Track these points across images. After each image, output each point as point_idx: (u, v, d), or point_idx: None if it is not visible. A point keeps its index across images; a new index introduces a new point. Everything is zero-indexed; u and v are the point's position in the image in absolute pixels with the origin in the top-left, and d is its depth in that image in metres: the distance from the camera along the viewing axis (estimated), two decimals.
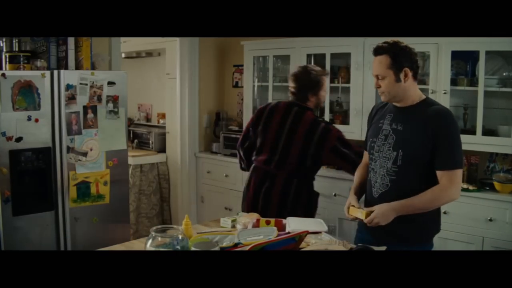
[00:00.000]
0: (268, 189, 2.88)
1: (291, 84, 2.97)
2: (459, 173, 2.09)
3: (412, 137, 2.12)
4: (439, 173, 2.09)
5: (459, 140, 2.11)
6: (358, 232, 2.41)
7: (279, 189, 2.84)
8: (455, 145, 2.09)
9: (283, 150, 2.87)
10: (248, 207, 2.95)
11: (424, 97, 2.22)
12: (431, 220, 2.22)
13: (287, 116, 2.91)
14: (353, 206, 2.25)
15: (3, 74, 2.88)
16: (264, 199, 2.87)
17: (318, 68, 2.99)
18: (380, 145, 2.21)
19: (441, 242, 3.25)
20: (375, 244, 2.06)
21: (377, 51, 2.16)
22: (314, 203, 2.95)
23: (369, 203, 2.29)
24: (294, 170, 2.85)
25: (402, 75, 2.12)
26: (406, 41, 3.33)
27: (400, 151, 2.13)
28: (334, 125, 3.07)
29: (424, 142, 2.09)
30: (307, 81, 2.90)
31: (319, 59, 4.06)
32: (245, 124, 4.59)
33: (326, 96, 3.08)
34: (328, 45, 3.86)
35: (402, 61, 2.12)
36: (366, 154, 2.46)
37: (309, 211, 2.84)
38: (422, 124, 2.10)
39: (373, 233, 2.23)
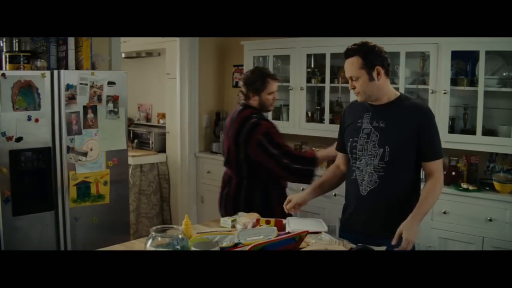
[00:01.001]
0: (226, 194, 2.97)
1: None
2: (442, 161, 2.23)
3: (396, 132, 2.18)
4: (428, 164, 2.19)
5: (438, 131, 2.23)
6: (341, 231, 2.42)
7: (233, 193, 2.90)
8: (436, 136, 2.21)
9: (227, 152, 2.94)
10: (220, 213, 3.02)
11: (399, 93, 2.30)
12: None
13: (232, 118, 2.96)
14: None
15: (3, 74, 2.88)
16: (223, 205, 2.98)
17: (266, 71, 3.05)
18: (363, 144, 2.25)
19: (441, 242, 3.25)
20: (360, 241, 2.11)
21: (348, 53, 2.22)
22: (272, 205, 2.85)
23: (356, 202, 2.31)
24: (241, 172, 2.89)
25: (375, 74, 2.19)
26: (406, 41, 3.37)
27: (386, 147, 2.18)
28: (273, 121, 3.08)
29: (408, 136, 2.17)
30: (250, 79, 2.93)
31: (319, 59, 4.06)
32: None
33: (273, 100, 2.97)
34: (328, 45, 3.86)
35: (373, 60, 2.18)
36: (339, 156, 2.49)
37: (265, 215, 2.60)
38: (404, 119, 2.18)
39: (356, 231, 2.28)
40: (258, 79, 2.90)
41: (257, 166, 2.84)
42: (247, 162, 2.85)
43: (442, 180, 2.22)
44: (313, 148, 3.56)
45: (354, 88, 2.23)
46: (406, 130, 2.16)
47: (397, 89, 3.51)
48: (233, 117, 2.94)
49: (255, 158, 2.80)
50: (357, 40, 2.26)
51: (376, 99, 2.25)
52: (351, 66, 2.21)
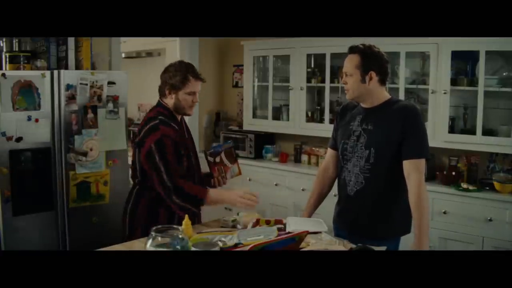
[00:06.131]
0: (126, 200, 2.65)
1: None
2: (423, 162, 2.17)
3: (382, 134, 2.20)
4: (406, 163, 2.15)
5: (423, 131, 2.20)
6: (335, 229, 2.45)
7: (127, 198, 2.62)
8: (418, 134, 2.17)
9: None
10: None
11: (389, 96, 2.30)
12: (402, 218, 2.25)
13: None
14: None
15: (3, 74, 2.88)
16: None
17: (191, 67, 2.56)
18: (353, 146, 2.28)
19: (441, 242, 3.25)
20: (348, 239, 2.14)
21: (351, 50, 2.26)
22: (157, 220, 2.38)
23: (344, 201, 2.35)
24: (135, 176, 2.57)
25: (367, 77, 2.21)
26: (406, 41, 3.36)
27: (372, 149, 2.21)
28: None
29: (394, 138, 2.17)
30: (169, 72, 2.52)
31: (319, 59, 4.06)
32: (245, 124, 4.62)
33: (192, 103, 2.52)
34: (328, 45, 3.86)
35: (370, 64, 2.21)
36: (329, 153, 2.50)
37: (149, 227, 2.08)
38: (390, 121, 2.20)
39: (344, 230, 2.33)
40: (178, 73, 2.49)
41: (147, 173, 2.46)
42: (140, 167, 2.50)
43: (422, 181, 2.14)
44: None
45: (345, 83, 2.27)
46: (392, 131, 2.18)
47: (397, 89, 3.54)
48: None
49: (143, 166, 2.45)
50: (360, 40, 2.28)
51: (364, 100, 2.28)
52: (348, 62, 2.25)
